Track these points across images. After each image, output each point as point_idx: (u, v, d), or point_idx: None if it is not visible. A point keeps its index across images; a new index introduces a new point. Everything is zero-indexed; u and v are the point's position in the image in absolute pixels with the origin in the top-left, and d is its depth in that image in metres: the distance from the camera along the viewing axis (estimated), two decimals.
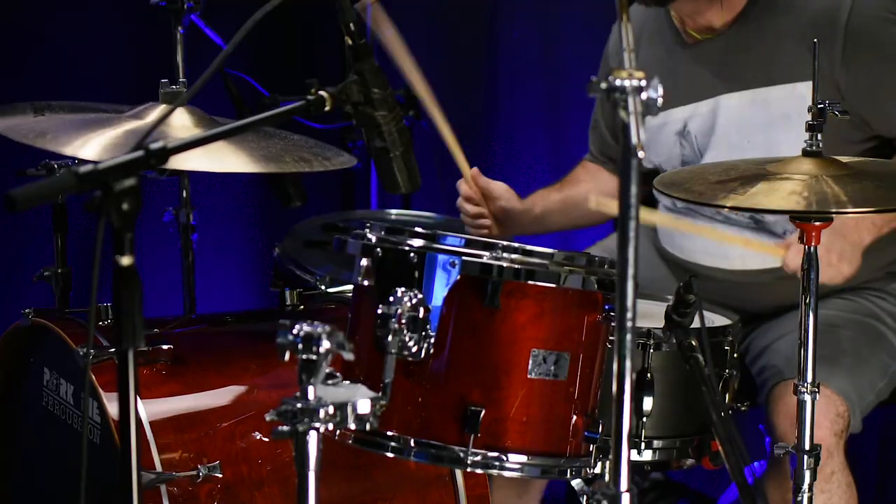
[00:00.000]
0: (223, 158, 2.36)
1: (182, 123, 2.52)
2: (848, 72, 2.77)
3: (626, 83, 1.66)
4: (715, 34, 2.89)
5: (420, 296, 2.15)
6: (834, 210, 2.28)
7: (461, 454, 2.16)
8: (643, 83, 1.66)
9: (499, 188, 3.04)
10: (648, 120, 2.99)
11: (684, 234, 3.02)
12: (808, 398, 2.40)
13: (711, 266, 2.95)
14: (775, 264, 2.62)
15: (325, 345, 1.69)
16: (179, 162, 2.25)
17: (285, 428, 1.71)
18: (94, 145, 2.34)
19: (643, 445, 2.45)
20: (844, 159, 2.45)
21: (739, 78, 2.87)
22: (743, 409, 2.63)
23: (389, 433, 2.18)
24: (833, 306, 2.87)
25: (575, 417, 2.22)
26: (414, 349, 2.15)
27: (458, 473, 2.55)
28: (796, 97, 2.79)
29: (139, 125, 2.45)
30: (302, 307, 2.73)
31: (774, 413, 2.69)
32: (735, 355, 2.56)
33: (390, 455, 2.19)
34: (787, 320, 2.84)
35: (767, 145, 2.82)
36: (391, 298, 2.15)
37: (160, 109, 2.53)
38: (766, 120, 2.84)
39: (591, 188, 3.23)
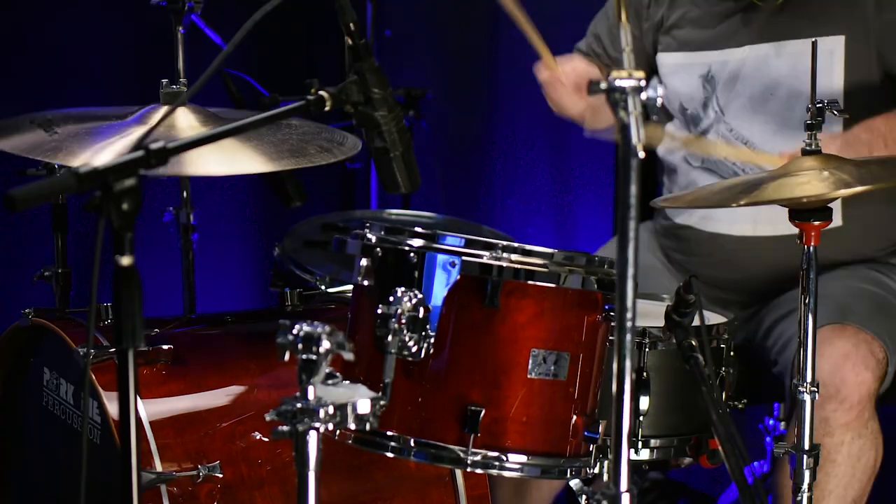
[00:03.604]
0: (241, 159, 2.35)
1: (188, 124, 2.51)
2: (880, 17, 2.82)
3: (626, 83, 1.66)
4: None
5: (420, 296, 2.15)
6: (858, 187, 2.31)
7: (461, 454, 2.16)
8: (643, 83, 1.67)
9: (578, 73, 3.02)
10: (678, 57, 3.01)
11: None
12: (807, 398, 2.40)
13: (722, 233, 2.96)
14: (783, 232, 2.62)
15: (325, 345, 1.70)
16: (196, 167, 2.25)
17: (285, 428, 1.71)
18: (109, 155, 2.33)
19: (640, 444, 2.45)
20: (843, 160, 2.47)
21: (767, 29, 2.89)
22: (740, 406, 2.64)
23: (389, 433, 2.18)
24: (847, 274, 2.88)
25: (575, 417, 2.22)
26: (414, 349, 2.15)
27: (458, 473, 2.55)
28: (824, 52, 2.81)
29: (141, 131, 2.44)
30: (302, 307, 2.73)
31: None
32: (731, 353, 2.56)
33: (390, 455, 2.19)
34: (791, 298, 2.85)
35: (789, 99, 2.84)
36: (391, 298, 2.16)
37: (162, 111, 2.53)
38: (790, 73, 2.85)
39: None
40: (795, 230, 2.41)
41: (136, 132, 2.42)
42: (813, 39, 2.42)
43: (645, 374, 2.43)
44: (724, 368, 2.54)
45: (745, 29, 2.93)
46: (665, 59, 3.06)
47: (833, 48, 2.85)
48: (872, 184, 2.39)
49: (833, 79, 2.85)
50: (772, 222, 2.81)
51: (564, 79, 3.00)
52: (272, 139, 2.42)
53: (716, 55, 2.97)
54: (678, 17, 3.04)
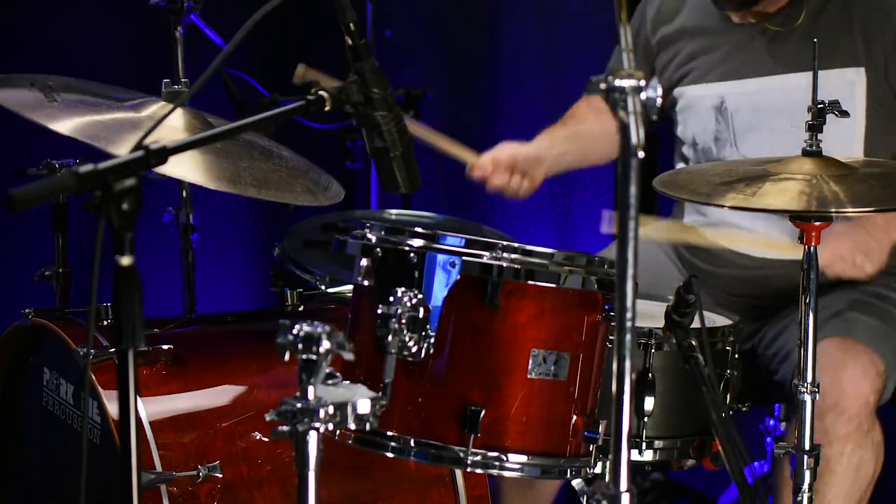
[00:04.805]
0: (229, 179, 2.35)
1: (174, 124, 2.50)
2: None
3: (626, 83, 1.66)
4: (766, 17, 2.90)
5: (420, 296, 2.15)
6: (834, 210, 2.29)
7: (461, 454, 2.16)
8: (642, 83, 1.66)
9: (505, 152, 3.01)
10: (690, 89, 2.99)
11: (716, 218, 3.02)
12: (807, 398, 2.40)
13: (736, 251, 2.96)
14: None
15: (325, 345, 1.70)
16: (176, 172, 2.26)
17: (285, 428, 1.71)
18: (90, 124, 2.33)
19: (644, 445, 2.45)
20: (844, 160, 2.46)
21: (788, 60, 2.88)
22: (744, 409, 2.63)
23: (389, 433, 2.18)
24: (850, 288, 2.88)
25: (575, 417, 2.22)
26: (414, 349, 2.15)
27: (458, 473, 2.55)
28: (845, 83, 2.81)
29: (133, 116, 2.44)
30: (302, 307, 2.73)
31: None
32: (736, 356, 2.56)
33: (390, 455, 2.19)
34: (793, 310, 2.84)
35: None
36: (391, 298, 2.15)
37: (158, 106, 2.52)
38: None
39: (597, 128, 3.19)
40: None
41: (130, 115, 2.41)
42: (815, 40, 2.41)
43: (650, 375, 2.42)
44: (728, 371, 2.54)
45: (763, 58, 2.92)
46: (676, 93, 3.05)
47: (855, 80, 2.84)
48: (865, 206, 2.37)
49: (855, 110, 2.83)
50: (791, 246, 2.81)
51: (494, 164, 2.99)
52: (263, 166, 2.43)
53: (730, 86, 2.96)
54: (686, 48, 3.03)
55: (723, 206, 2.37)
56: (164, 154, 1.75)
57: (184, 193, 2.87)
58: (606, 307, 2.22)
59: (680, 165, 3.12)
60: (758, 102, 2.93)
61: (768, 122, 2.92)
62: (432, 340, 2.15)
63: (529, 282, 2.17)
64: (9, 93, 2.43)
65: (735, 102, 2.96)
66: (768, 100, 2.92)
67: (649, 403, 2.41)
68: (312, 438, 1.71)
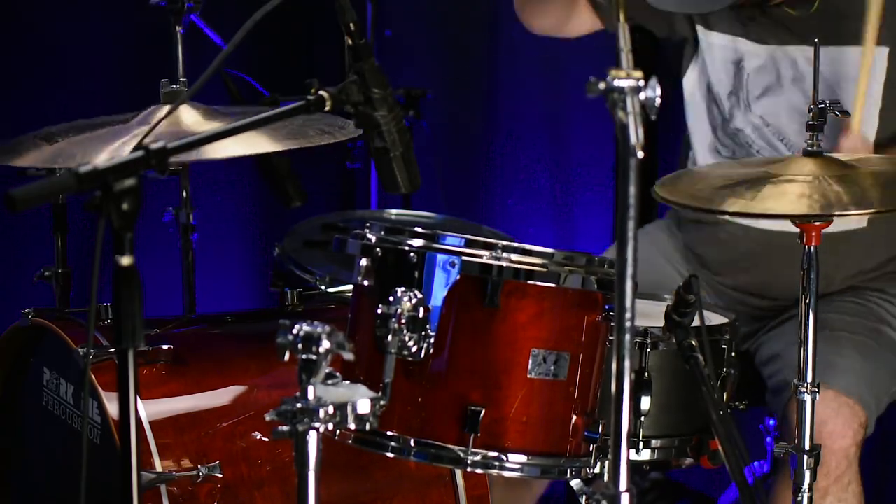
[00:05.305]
0: (250, 141, 2.34)
1: (194, 120, 2.50)
2: None
3: (625, 83, 1.66)
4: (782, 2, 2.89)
5: (420, 296, 2.15)
6: (838, 213, 2.28)
7: (461, 454, 2.16)
8: (641, 83, 1.66)
9: None
10: (712, 35, 2.95)
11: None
12: (807, 398, 2.40)
13: (742, 223, 2.94)
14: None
15: (325, 345, 1.70)
16: (212, 151, 2.25)
17: (285, 428, 1.71)
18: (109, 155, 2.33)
19: (641, 445, 2.45)
20: (845, 158, 2.46)
21: (806, 35, 2.86)
22: (741, 407, 2.63)
23: (389, 433, 2.18)
24: (843, 310, 2.87)
25: (575, 417, 2.22)
26: (414, 349, 2.15)
27: (458, 473, 2.55)
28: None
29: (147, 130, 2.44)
30: (302, 307, 2.73)
31: (794, 421, 2.69)
32: (733, 354, 2.56)
33: (390, 455, 2.19)
34: (795, 326, 2.84)
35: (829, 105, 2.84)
36: (391, 298, 2.16)
37: (164, 111, 2.53)
38: (831, 79, 2.84)
39: None
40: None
41: (141, 132, 2.42)
42: (816, 40, 2.41)
43: (646, 374, 2.42)
44: (725, 369, 2.54)
45: (780, 29, 2.91)
46: (704, 36, 3.01)
47: (875, 59, 2.83)
48: (868, 207, 2.38)
49: (872, 90, 2.82)
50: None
51: None
52: (272, 124, 2.42)
53: (749, 46, 2.94)
54: None
55: (724, 213, 2.36)
56: (163, 154, 1.75)
57: (184, 193, 2.87)
58: (606, 307, 2.22)
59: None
60: (774, 68, 2.91)
61: (787, 91, 2.90)
62: (432, 340, 2.15)
63: (529, 282, 2.17)
64: (23, 158, 2.44)
65: (754, 63, 2.93)
66: (784, 67, 2.90)
67: (646, 403, 2.41)
68: (312, 438, 1.71)
